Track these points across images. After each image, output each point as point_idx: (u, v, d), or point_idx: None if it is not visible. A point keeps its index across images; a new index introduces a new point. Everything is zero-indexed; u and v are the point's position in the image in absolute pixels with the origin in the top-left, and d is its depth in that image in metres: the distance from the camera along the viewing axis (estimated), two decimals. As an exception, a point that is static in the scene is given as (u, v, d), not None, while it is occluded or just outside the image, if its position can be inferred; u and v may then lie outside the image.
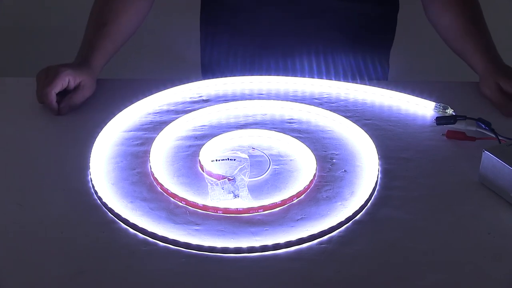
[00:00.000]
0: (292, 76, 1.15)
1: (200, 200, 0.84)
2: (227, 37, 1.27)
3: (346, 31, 1.23)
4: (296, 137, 0.98)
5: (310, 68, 1.23)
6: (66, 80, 1.04)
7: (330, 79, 1.14)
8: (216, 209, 0.82)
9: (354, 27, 1.24)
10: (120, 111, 1.03)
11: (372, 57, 1.28)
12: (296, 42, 1.23)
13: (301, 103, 1.07)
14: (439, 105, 1.06)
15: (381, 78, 1.30)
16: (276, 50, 1.24)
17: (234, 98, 1.09)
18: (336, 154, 0.95)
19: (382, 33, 1.31)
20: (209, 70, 1.33)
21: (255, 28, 1.24)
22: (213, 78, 1.14)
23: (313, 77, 1.16)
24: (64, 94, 1.05)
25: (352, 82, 1.13)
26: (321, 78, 1.15)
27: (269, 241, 0.78)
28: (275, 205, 0.83)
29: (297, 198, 0.85)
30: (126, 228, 0.81)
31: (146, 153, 0.94)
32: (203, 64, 1.35)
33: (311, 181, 0.88)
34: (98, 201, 0.85)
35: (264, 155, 0.94)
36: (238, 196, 0.84)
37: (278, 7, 1.21)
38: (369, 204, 0.85)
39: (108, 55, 1.14)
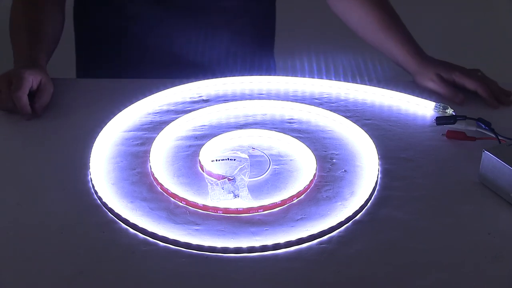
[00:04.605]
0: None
1: (200, 200, 0.84)
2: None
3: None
4: (296, 137, 0.97)
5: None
6: (31, 81, 1.04)
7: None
8: (216, 209, 0.82)
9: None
10: (120, 111, 1.03)
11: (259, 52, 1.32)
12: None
13: (301, 103, 1.07)
14: (439, 105, 1.06)
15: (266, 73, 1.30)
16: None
17: (234, 98, 1.09)
18: (336, 154, 0.95)
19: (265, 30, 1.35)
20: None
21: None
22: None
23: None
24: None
25: (352, 82, 1.13)
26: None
27: (269, 241, 0.78)
28: (275, 205, 0.83)
29: (297, 198, 0.85)
30: (126, 228, 0.81)
31: (146, 153, 0.94)
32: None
33: (311, 181, 0.88)
34: (98, 201, 0.85)
35: (264, 155, 0.94)
36: (238, 196, 0.84)
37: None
38: (369, 204, 0.85)
39: (50, 55, 1.15)
